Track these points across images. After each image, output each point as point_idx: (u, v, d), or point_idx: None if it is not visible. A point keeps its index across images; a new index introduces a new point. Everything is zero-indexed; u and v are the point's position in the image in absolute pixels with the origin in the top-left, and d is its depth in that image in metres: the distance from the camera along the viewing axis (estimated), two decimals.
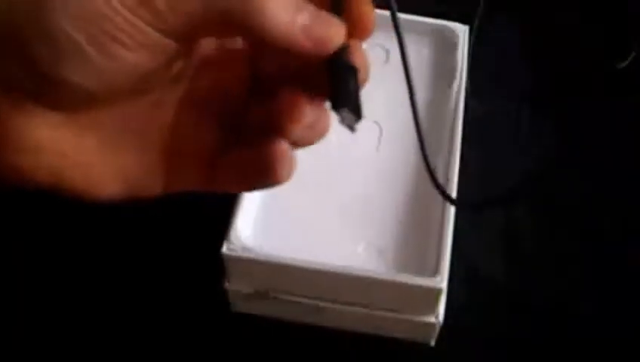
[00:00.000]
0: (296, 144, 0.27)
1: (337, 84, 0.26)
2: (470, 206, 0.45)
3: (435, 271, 0.40)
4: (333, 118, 0.26)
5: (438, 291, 0.40)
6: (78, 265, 0.46)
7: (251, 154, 0.27)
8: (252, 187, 0.29)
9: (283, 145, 0.27)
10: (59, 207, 0.48)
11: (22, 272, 0.46)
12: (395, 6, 0.27)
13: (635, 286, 0.47)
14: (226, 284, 0.42)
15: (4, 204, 0.47)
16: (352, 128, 0.26)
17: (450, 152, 0.45)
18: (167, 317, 0.44)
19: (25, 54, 0.23)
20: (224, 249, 0.40)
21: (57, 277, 0.45)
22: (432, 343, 0.44)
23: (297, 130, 0.26)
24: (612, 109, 0.55)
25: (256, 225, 0.43)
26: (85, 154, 0.26)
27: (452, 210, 0.43)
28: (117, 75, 0.24)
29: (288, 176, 0.27)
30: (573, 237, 0.49)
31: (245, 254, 0.41)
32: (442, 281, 0.40)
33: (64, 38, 0.22)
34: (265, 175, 0.27)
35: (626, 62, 0.57)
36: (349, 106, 0.26)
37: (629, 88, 0.57)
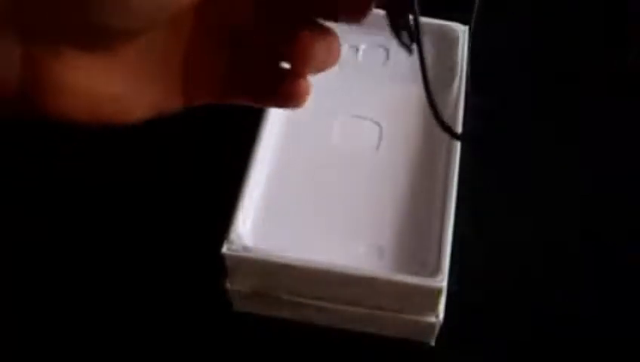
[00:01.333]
0: (311, 73, 0.29)
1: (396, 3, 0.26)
2: (472, 138, 0.44)
3: (435, 271, 0.40)
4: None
5: (438, 291, 0.40)
6: (78, 264, 0.46)
7: (266, 79, 0.29)
8: (267, 105, 0.32)
9: (300, 82, 0.29)
10: (58, 205, 0.48)
11: (23, 274, 0.46)
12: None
13: (635, 286, 0.47)
14: (226, 284, 0.42)
15: (5, 204, 0.47)
16: (408, 49, 0.27)
17: (451, 151, 0.45)
18: (167, 317, 0.44)
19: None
20: (224, 249, 0.40)
21: (57, 277, 0.45)
22: (432, 343, 0.44)
23: (312, 67, 0.28)
24: (612, 109, 0.55)
25: (256, 225, 0.43)
26: (116, 88, 0.27)
27: (452, 210, 0.43)
28: (155, 13, 0.24)
29: (305, 102, 0.29)
30: (574, 237, 0.49)
31: (245, 254, 0.41)
32: (442, 281, 0.40)
33: None
34: (282, 102, 0.30)
35: (627, 61, 0.57)
36: (407, 27, 0.26)
37: (629, 88, 0.57)
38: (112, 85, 0.26)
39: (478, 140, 0.44)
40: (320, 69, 0.29)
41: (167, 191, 0.48)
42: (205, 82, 0.29)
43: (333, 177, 0.46)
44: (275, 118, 0.46)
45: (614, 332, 0.45)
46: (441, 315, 0.42)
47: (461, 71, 0.50)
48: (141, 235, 0.47)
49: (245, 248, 0.41)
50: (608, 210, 0.50)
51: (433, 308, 0.42)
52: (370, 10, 0.27)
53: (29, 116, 0.25)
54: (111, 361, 0.43)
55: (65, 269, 0.46)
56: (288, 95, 0.29)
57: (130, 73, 0.27)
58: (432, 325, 0.42)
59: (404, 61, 0.51)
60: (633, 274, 0.47)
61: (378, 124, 0.48)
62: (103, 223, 0.47)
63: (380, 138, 0.47)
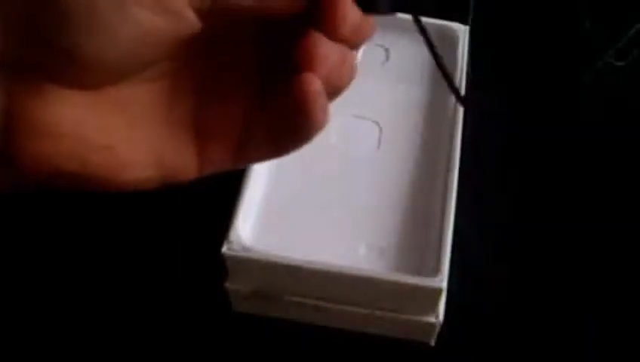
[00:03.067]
0: (328, 81, 0.25)
1: None
2: (477, 104, 0.41)
3: (435, 271, 0.40)
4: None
5: (438, 291, 0.40)
6: (78, 264, 0.46)
7: (281, 104, 0.25)
8: (286, 144, 0.26)
9: (311, 81, 0.24)
10: (58, 205, 0.48)
11: (21, 274, 0.46)
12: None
13: (636, 286, 0.47)
14: (226, 284, 0.42)
15: (5, 206, 0.47)
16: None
17: (451, 151, 0.45)
18: (167, 317, 0.44)
19: (31, 22, 0.21)
20: (224, 249, 0.40)
21: (57, 276, 0.45)
22: (432, 343, 0.44)
23: (344, 29, 0.25)
24: (612, 109, 0.55)
25: (256, 225, 0.43)
26: (111, 136, 0.24)
27: (452, 210, 0.43)
28: (134, 44, 0.22)
29: (323, 120, 0.25)
30: (574, 238, 0.49)
31: (245, 254, 0.41)
32: (442, 281, 0.40)
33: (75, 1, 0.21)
34: (299, 122, 0.24)
35: (627, 60, 0.57)
36: None
37: (629, 87, 0.57)
38: (105, 132, 0.23)
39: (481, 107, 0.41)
40: (335, 78, 0.25)
41: (167, 191, 0.48)
42: (219, 135, 0.26)
43: (333, 177, 0.46)
44: None
45: (614, 332, 0.45)
46: (441, 315, 0.42)
47: (461, 71, 0.50)
48: (141, 235, 0.47)
49: (245, 248, 0.41)
50: (608, 210, 0.50)
51: (433, 308, 0.42)
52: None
53: (9, 166, 0.23)
54: (111, 361, 0.43)
55: (65, 269, 0.46)
56: (301, 100, 0.24)
57: (128, 122, 0.24)
58: (432, 325, 0.42)
59: (404, 61, 0.51)
60: (633, 275, 0.47)
61: (378, 124, 0.48)
62: (104, 223, 0.47)
63: (380, 138, 0.47)
